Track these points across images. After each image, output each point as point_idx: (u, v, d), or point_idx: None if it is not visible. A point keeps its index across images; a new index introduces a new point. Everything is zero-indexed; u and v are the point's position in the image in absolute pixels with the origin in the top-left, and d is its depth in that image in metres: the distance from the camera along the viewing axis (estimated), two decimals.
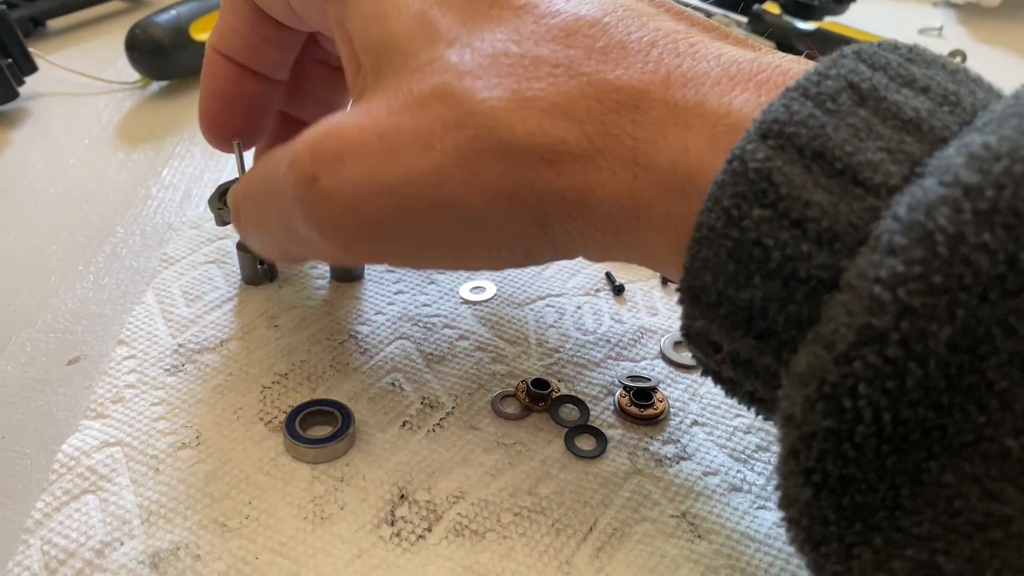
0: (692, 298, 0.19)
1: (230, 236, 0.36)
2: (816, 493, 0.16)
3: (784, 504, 0.17)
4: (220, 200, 0.30)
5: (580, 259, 0.35)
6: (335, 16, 0.25)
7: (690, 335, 0.20)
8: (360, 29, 0.23)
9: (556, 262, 0.35)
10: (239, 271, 0.33)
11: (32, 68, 0.48)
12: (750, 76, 0.19)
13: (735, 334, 0.18)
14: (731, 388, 0.20)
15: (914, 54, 0.19)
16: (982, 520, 0.14)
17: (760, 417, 0.22)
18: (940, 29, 0.64)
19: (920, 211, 0.15)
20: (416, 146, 0.20)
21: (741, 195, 0.17)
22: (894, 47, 0.19)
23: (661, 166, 0.19)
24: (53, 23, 0.58)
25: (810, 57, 0.21)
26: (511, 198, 0.20)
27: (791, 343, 0.17)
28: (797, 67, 0.20)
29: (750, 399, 0.20)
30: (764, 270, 0.17)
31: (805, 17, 0.54)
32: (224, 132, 0.30)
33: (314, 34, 0.30)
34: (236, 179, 0.30)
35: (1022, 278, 0.14)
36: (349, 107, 0.24)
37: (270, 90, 0.30)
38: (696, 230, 0.18)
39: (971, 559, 0.14)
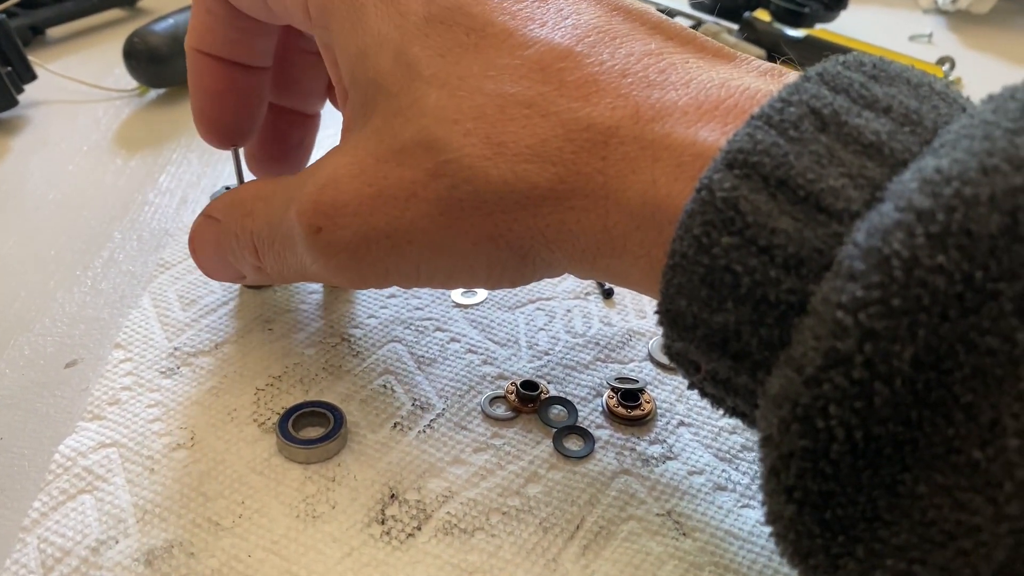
0: (670, 321, 0.19)
1: None
2: (799, 509, 0.16)
3: (770, 520, 0.17)
4: None
5: None
6: (321, 40, 0.25)
7: (671, 354, 0.21)
8: (346, 64, 0.24)
9: None
10: None
11: (31, 76, 0.49)
12: (717, 103, 0.20)
13: (712, 355, 0.19)
14: (715, 402, 0.21)
15: (878, 70, 0.19)
16: (954, 530, 0.15)
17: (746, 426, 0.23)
18: (930, 36, 0.64)
19: (876, 236, 0.15)
20: (402, 194, 0.22)
21: (710, 223, 0.18)
22: (859, 64, 0.19)
23: (631, 199, 0.20)
24: (52, 31, 0.59)
25: (787, 63, 0.22)
26: (493, 239, 0.22)
27: (765, 364, 0.18)
28: (765, 87, 0.20)
29: (733, 412, 0.20)
30: (735, 295, 0.18)
31: (795, 24, 0.54)
32: (221, 129, 0.31)
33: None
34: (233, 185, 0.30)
35: (979, 295, 0.14)
36: (340, 139, 0.25)
37: (257, 79, 0.31)
38: (669, 257, 0.19)
39: (945, 568, 0.15)
